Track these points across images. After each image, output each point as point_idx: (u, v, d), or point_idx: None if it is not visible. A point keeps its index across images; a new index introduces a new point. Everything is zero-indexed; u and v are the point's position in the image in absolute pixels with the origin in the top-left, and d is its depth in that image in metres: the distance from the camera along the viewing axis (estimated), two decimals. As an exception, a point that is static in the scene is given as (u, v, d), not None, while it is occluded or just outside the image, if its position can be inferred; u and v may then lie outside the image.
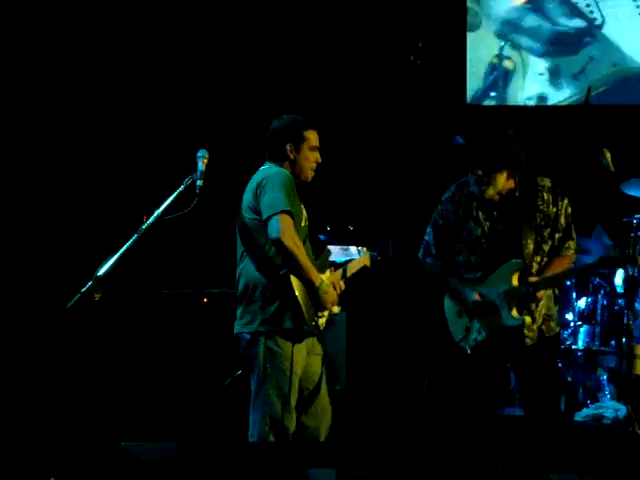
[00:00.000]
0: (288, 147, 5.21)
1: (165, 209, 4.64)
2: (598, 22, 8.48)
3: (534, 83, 8.61)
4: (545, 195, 5.25)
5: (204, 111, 8.19)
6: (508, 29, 8.60)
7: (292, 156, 5.22)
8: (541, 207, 5.23)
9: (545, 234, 5.24)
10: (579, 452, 6.17)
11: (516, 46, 8.61)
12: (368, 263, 5.62)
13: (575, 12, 8.49)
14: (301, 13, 8.35)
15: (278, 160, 5.23)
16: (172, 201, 4.67)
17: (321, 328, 5.18)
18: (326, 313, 5.18)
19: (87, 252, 6.63)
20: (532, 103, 8.60)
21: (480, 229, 5.28)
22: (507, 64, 8.61)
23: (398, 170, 8.17)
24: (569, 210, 5.28)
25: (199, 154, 4.88)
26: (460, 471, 5.56)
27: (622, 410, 6.87)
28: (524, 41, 8.59)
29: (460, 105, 8.51)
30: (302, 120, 5.29)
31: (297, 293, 5.01)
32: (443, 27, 8.42)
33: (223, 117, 8.20)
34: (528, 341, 5.21)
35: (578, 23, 8.50)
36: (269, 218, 4.98)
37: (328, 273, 5.24)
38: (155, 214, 4.62)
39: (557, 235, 5.25)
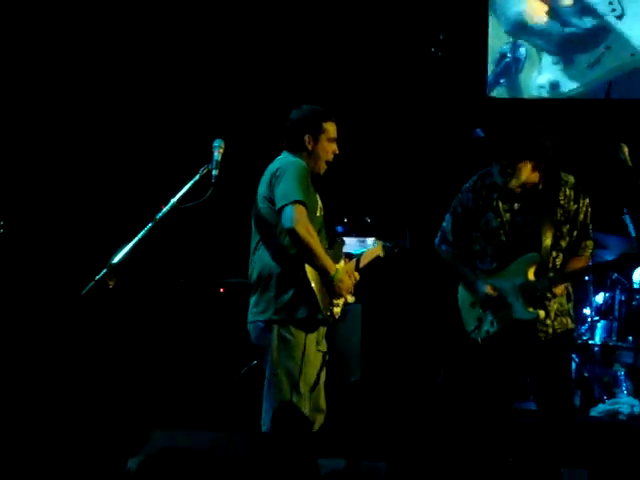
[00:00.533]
0: (307, 138, 5.20)
1: (180, 198, 4.65)
2: (617, 13, 8.39)
3: (547, 72, 8.54)
4: (567, 191, 5.23)
5: (221, 100, 8.20)
6: (518, 31, 8.56)
7: (310, 147, 5.21)
8: (562, 202, 5.21)
9: (564, 230, 5.22)
10: (593, 447, 6.15)
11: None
12: (381, 253, 5.61)
13: (587, 11, 8.42)
14: (322, 5, 8.35)
15: (295, 150, 5.22)
16: (187, 190, 4.68)
17: (336, 317, 5.17)
18: (341, 302, 5.18)
19: (102, 240, 6.65)
20: (545, 91, 8.54)
21: (499, 220, 5.25)
22: (520, 52, 8.56)
23: (416, 162, 8.17)
24: (589, 210, 5.26)
25: (215, 144, 4.88)
26: (471, 463, 5.55)
27: (637, 406, 6.86)
28: (534, 41, 8.55)
29: (480, 98, 8.48)
30: (321, 111, 5.28)
31: (312, 282, 5.01)
32: (464, 20, 8.40)
33: (240, 107, 8.21)
34: (541, 335, 5.19)
35: (590, 22, 8.43)
36: (283, 208, 4.97)
37: (342, 263, 5.24)
38: (170, 203, 4.64)
39: (575, 232, 5.23)
